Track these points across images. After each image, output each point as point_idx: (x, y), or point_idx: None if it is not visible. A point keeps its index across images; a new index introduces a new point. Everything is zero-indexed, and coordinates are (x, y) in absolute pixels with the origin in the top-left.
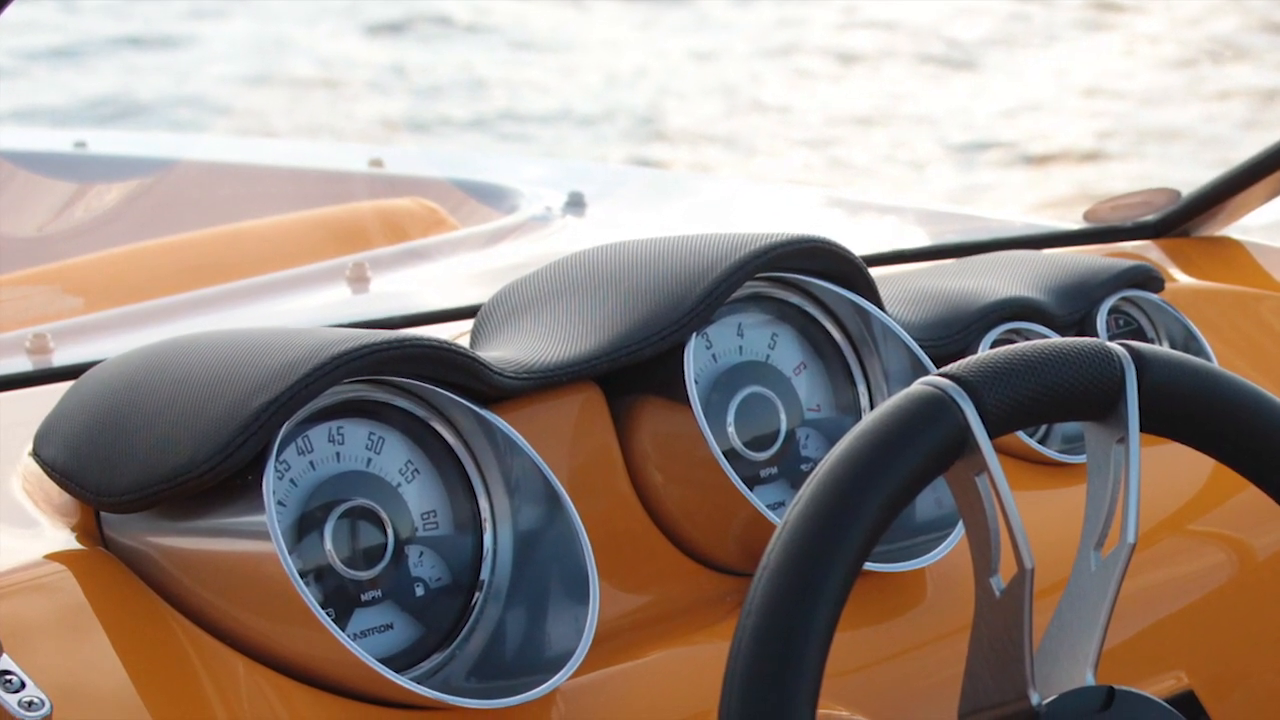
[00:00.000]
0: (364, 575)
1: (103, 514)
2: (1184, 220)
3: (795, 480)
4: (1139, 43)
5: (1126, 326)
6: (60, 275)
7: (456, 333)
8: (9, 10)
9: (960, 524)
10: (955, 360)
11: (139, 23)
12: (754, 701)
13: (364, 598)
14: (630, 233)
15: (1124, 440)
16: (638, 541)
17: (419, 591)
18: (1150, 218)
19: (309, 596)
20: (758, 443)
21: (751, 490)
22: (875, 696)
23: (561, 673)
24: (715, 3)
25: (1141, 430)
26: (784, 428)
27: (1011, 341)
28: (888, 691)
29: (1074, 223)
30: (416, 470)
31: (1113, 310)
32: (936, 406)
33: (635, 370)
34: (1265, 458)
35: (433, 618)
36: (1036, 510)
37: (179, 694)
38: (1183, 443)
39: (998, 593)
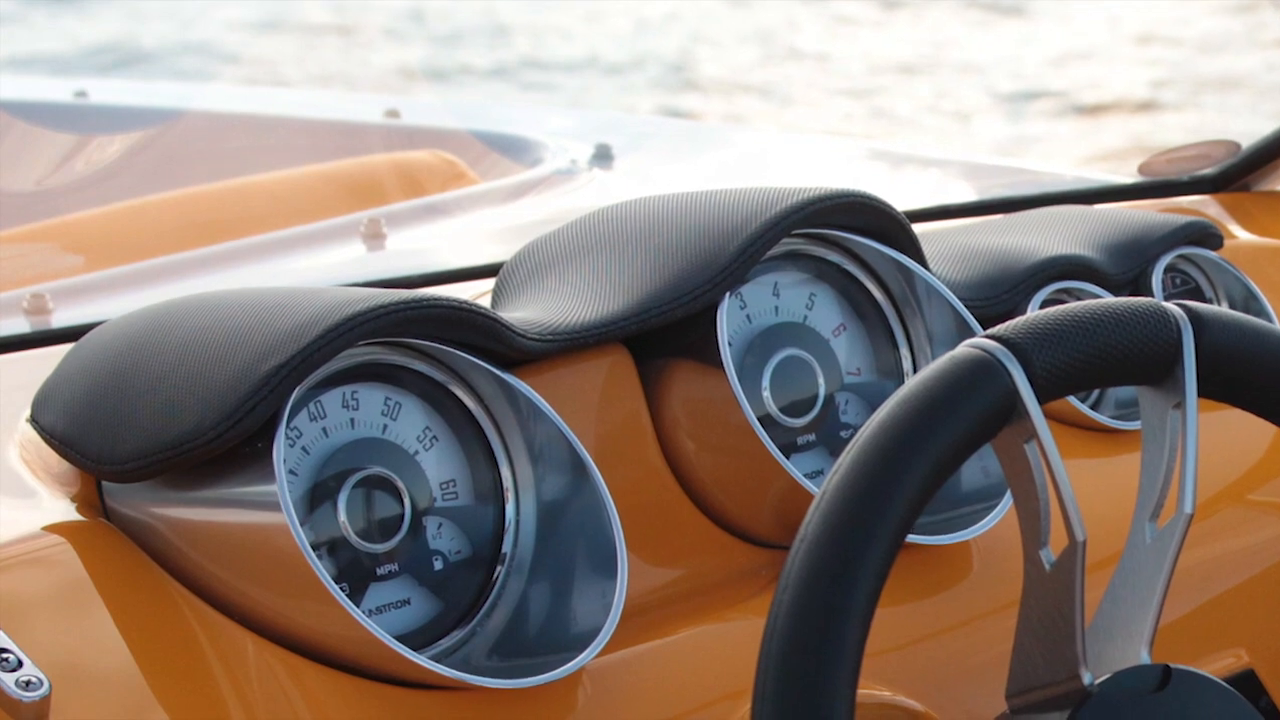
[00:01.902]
0: (380, 548)
1: (104, 483)
2: (1244, 174)
3: (834, 448)
4: None
5: (1183, 286)
6: (60, 232)
7: (477, 292)
8: None
9: (1008, 494)
10: (1003, 321)
11: None
12: (791, 681)
13: (380, 572)
14: (660, 187)
15: (1180, 406)
16: (668, 512)
17: (437, 565)
18: (1208, 171)
19: (321, 570)
20: (795, 408)
21: (788, 458)
22: (918, 676)
23: (588, 651)
24: None
25: (1199, 395)
26: (822, 392)
27: (1062, 301)
28: (932, 671)
29: (1128, 176)
30: (435, 437)
31: (1169, 268)
32: (983, 370)
33: (666, 332)
34: None
35: (452, 593)
36: (1088, 479)
37: (184, 672)
38: (1242, 408)
39: (1048, 566)
